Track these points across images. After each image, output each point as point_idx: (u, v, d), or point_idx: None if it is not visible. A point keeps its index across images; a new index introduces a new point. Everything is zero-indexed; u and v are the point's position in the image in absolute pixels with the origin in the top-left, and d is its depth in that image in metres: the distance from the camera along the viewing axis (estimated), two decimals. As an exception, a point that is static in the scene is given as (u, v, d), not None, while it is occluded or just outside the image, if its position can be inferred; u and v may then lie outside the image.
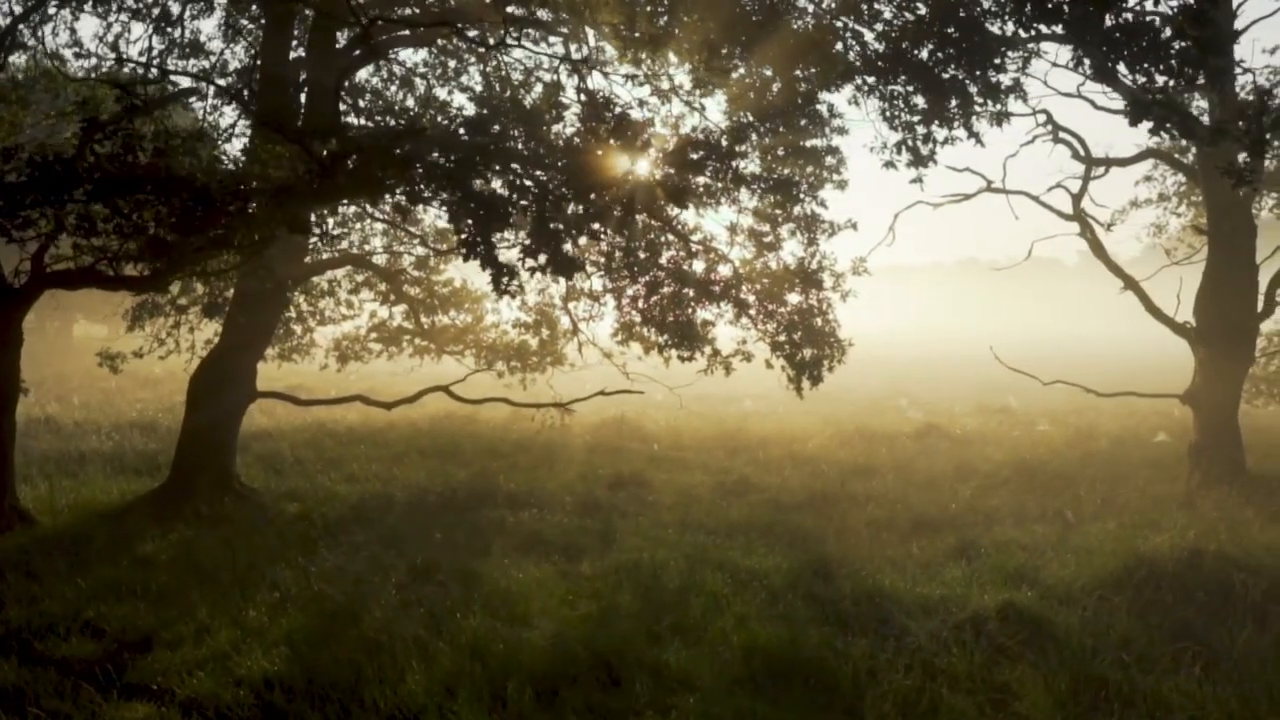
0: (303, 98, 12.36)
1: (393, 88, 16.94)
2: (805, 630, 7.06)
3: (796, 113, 11.96)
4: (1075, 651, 6.40)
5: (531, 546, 10.00)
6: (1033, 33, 7.09)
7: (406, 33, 11.58)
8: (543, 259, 6.28)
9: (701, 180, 11.98)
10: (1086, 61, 6.78)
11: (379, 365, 19.25)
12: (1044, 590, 7.61)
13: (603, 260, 12.83)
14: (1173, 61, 6.36)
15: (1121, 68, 6.73)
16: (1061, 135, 14.45)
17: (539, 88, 14.83)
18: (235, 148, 13.79)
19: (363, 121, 14.76)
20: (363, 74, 16.82)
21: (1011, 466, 13.69)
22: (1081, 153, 13.89)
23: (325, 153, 5.86)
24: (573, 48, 14.61)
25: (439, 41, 15.17)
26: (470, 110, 12.53)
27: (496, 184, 6.56)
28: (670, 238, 12.01)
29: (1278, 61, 18.15)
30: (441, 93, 16.64)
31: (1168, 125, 6.83)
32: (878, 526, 10.47)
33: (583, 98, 14.04)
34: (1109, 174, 14.87)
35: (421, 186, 6.33)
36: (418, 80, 16.83)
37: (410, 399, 13.01)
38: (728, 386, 20.55)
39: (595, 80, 14.20)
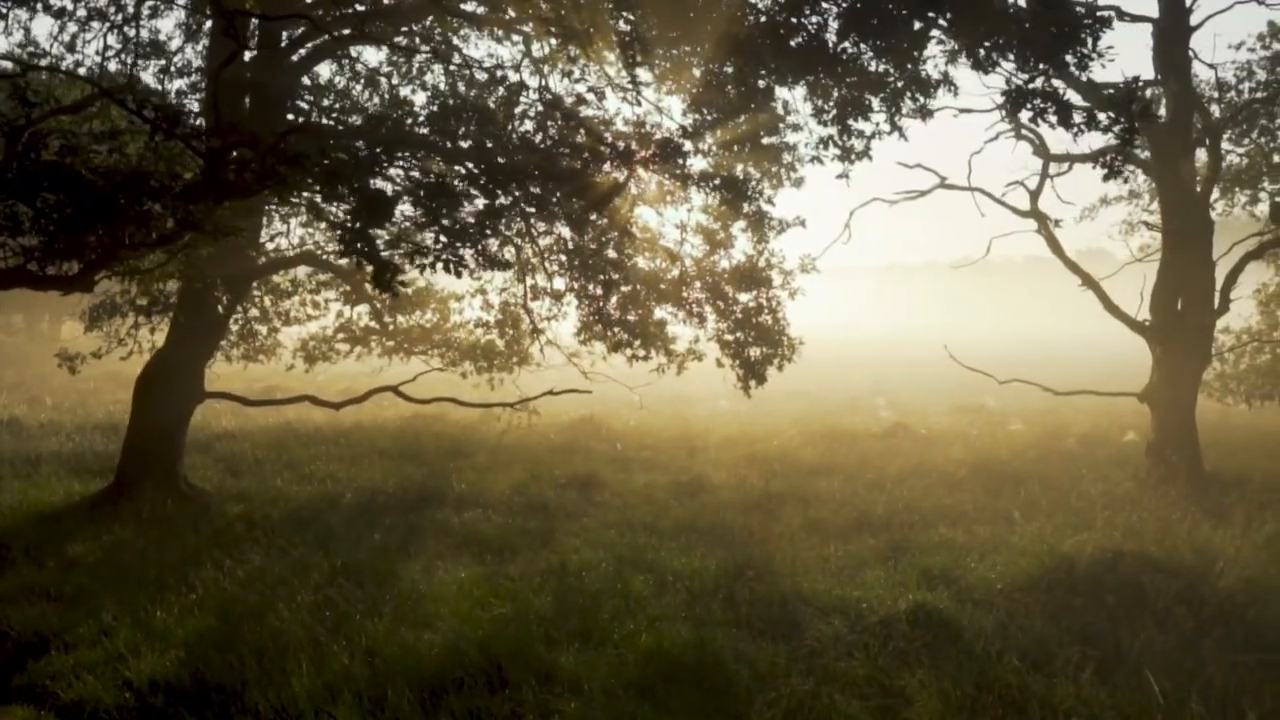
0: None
1: (357, 87, 16.94)
2: (713, 633, 6.96)
3: (754, 109, 11.88)
4: (979, 655, 6.28)
5: (467, 547, 9.93)
6: (924, 23, 6.97)
7: (347, 32, 11.48)
8: (431, 257, 6.22)
9: (653, 178, 11.95)
10: (980, 52, 6.68)
11: (352, 366, 19.24)
12: (962, 592, 7.50)
13: (564, 259, 12.84)
14: (1042, 48, 6.23)
15: (997, 56, 6.61)
16: (1023, 132, 14.35)
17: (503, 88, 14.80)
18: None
19: (323, 120, 14.73)
20: (325, 73, 16.82)
21: (970, 466, 13.55)
22: (1041, 149, 13.76)
23: (206, 148, 5.80)
24: (534, 47, 14.58)
25: (396, 40, 15.16)
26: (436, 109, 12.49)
27: (397, 178, 6.51)
28: (617, 235, 11.97)
29: (1243, 56, 18.00)
30: (405, 91, 16.64)
31: (1046, 113, 6.71)
32: (818, 527, 10.35)
33: (546, 96, 13.99)
34: (1079, 171, 14.76)
35: (323, 183, 6.25)
36: (382, 80, 16.83)
37: (359, 399, 12.97)
38: (703, 386, 20.50)
39: (565, 81, 14.13)
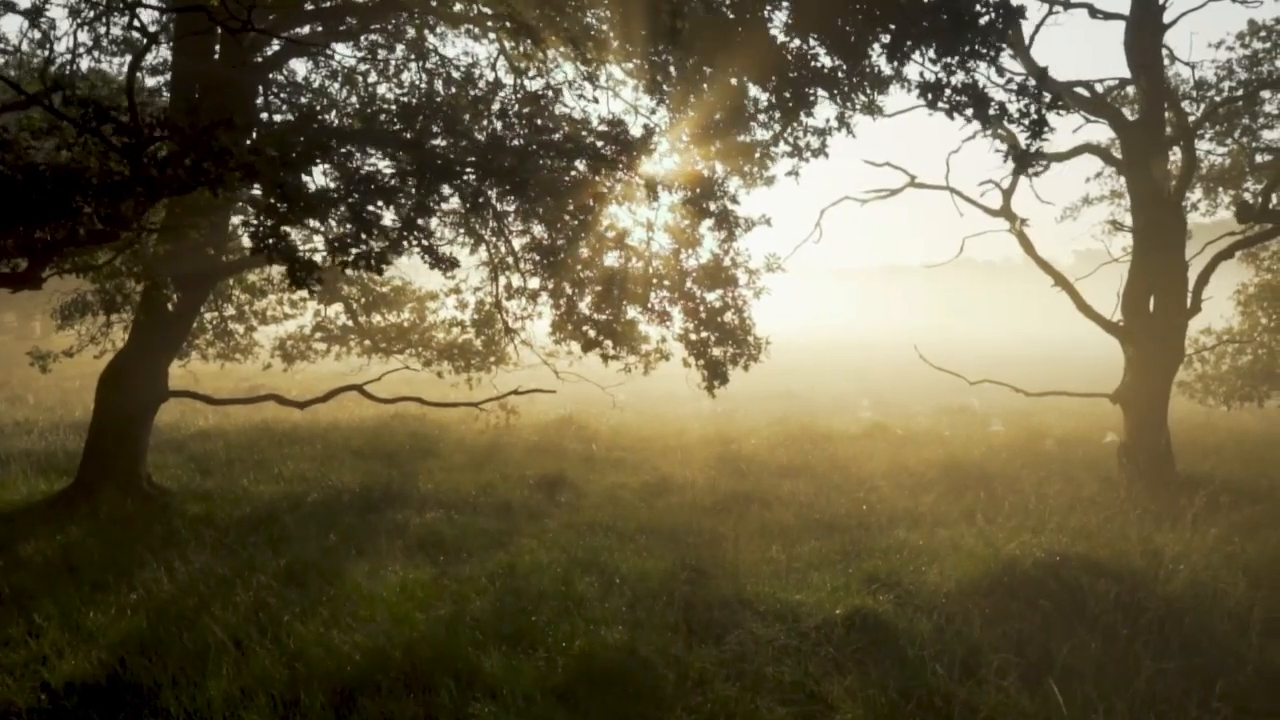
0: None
1: (334, 85, 16.89)
2: (649, 636, 6.86)
3: (724, 107, 11.79)
4: (911, 661, 6.17)
5: (422, 548, 9.85)
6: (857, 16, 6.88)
7: (305, 29, 11.42)
8: (354, 253, 6.13)
9: (619, 176, 11.85)
10: (908, 47, 6.56)
11: (337, 366, 19.20)
12: (905, 596, 7.38)
13: (536, 257, 12.79)
14: (948, 38, 6.12)
15: (917, 51, 6.50)
16: (999, 131, 14.20)
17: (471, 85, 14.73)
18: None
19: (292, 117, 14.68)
20: (302, 71, 16.74)
21: (941, 467, 13.42)
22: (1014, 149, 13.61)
23: (123, 144, 5.73)
24: (508, 46, 14.51)
25: (370, 38, 15.19)
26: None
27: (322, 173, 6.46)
28: (584, 232, 11.91)
29: (1223, 55, 17.75)
30: (383, 89, 16.59)
31: (963, 107, 6.60)
32: (778, 529, 10.25)
33: (514, 94, 13.90)
34: (1065, 170, 14.65)
35: (248, 178, 6.18)
36: (359, 78, 16.77)
37: (323, 398, 12.88)
38: (690, 387, 20.44)
39: (520, 79, 14.06)
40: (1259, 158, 15.91)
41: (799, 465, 14.07)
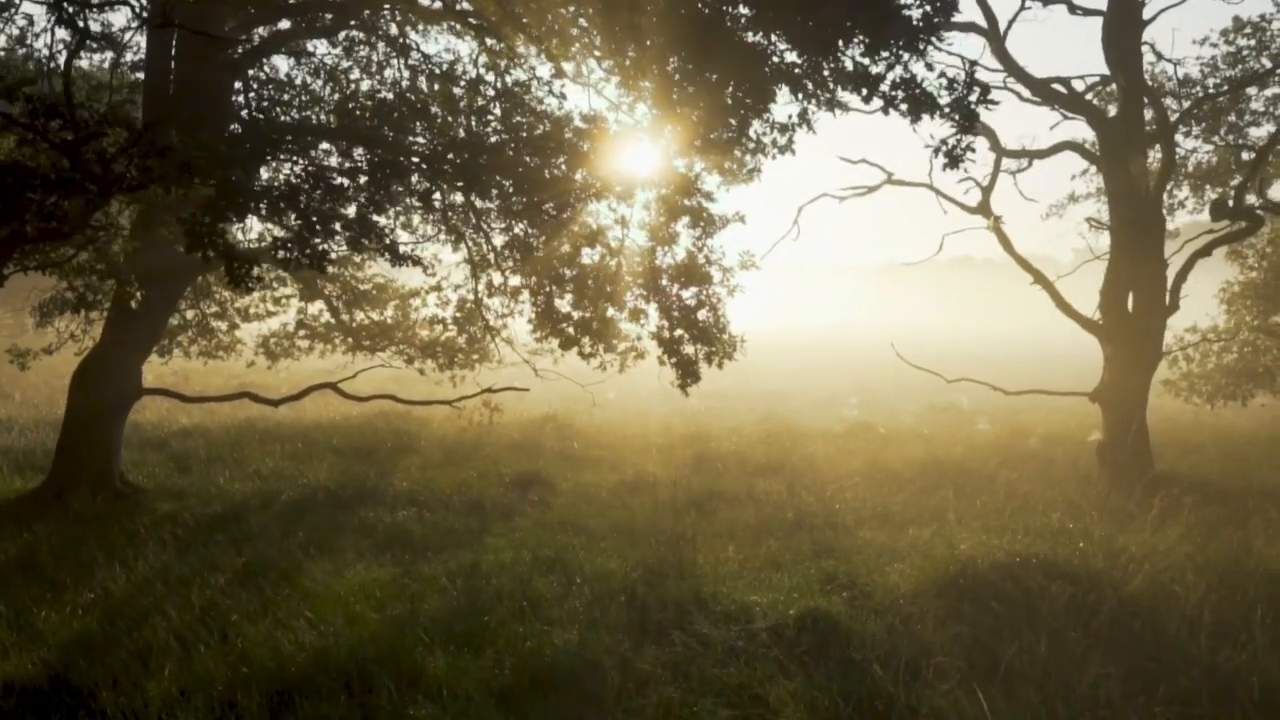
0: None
1: (318, 82, 16.84)
2: (600, 637, 6.81)
3: (702, 105, 11.72)
4: (858, 664, 6.11)
5: (389, 547, 9.80)
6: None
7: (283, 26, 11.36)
8: (294, 249, 6.07)
9: (596, 174, 11.80)
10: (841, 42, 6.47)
11: (327, 364, 19.15)
12: (860, 597, 7.32)
13: (517, 255, 12.76)
14: (866, 35, 6.04)
15: (841, 41, 6.41)
16: (979, 128, 14.11)
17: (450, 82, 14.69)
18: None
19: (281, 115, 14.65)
20: (284, 68, 16.66)
21: (919, 466, 13.34)
22: (995, 145, 13.54)
23: (60, 141, 5.67)
24: (491, 43, 14.45)
25: (343, 34, 15.16)
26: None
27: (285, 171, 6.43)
28: (563, 231, 11.87)
29: (1207, 52, 17.53)
30: (365, 85, 16.56)
31: (895, 101, 6.50)
32: (747, 528, 10.19)
33: (495, 90, 13.85)
34: (1054, 168, 14.56)
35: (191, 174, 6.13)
36: (342, 75, 16.73)
37: (298, 396, 12.85)
38: (668, 385, 20.38)
39: (492, 74, 14.02)
40: (1245, 155, 15.80)
41: (777, 464, 14.00)
